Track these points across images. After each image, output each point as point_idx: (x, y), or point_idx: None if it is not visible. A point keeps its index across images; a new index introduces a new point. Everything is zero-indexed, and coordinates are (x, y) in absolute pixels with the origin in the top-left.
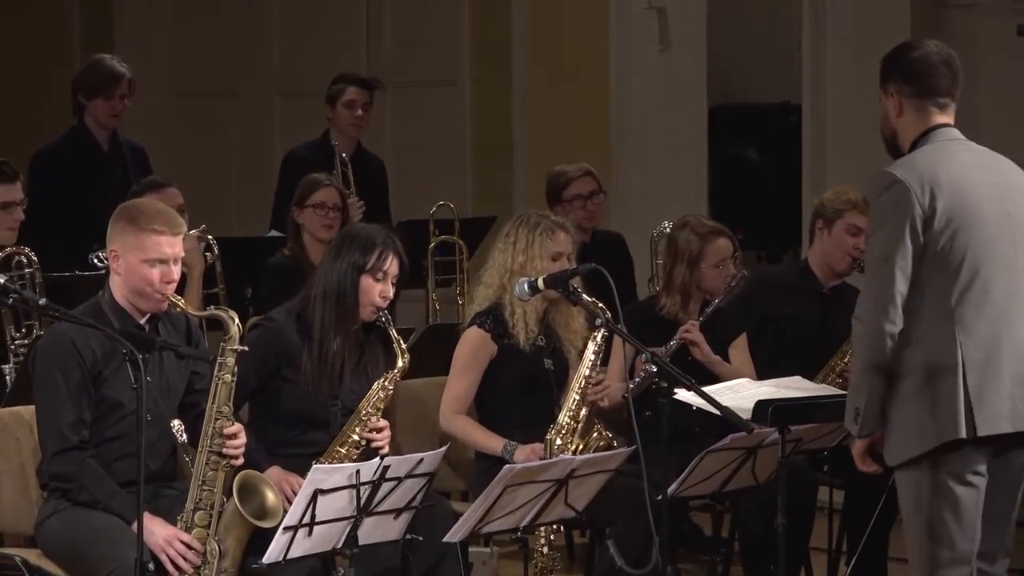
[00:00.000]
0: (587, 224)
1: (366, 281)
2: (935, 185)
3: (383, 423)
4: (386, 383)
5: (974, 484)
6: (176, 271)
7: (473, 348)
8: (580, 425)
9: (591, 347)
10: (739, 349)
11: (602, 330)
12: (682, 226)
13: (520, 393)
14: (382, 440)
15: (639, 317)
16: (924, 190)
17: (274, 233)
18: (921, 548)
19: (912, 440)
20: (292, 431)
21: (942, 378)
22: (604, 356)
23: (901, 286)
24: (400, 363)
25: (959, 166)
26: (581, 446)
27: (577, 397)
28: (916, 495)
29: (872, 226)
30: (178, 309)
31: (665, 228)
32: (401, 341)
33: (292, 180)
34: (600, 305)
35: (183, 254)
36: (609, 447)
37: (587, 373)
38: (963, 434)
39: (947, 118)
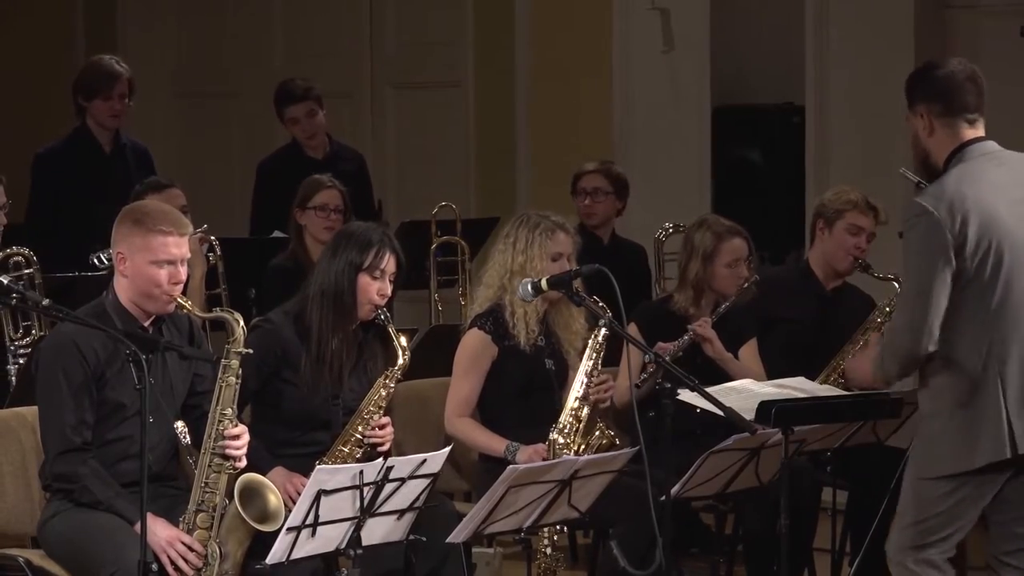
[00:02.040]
0: (587, 220)
1: (364, 279)
2: (965, 212)
3: (385, 420)
4: (387, 381)
5: (986, 493)
6: (183, 272)
7: (474, 351)
8: (582, 424)
9: (592, 346)
10: (750, 352)
11: (603, 329)
12: (700, 224)
13: (522, 394)
14: (385, 438)
15: (652, 314)
16: (955, 219)
17: (277, 234)
18: (912, 524)
19: (950, 458)
20: (294, 432)
21: (982, 398)
22: (605, 356)
23: (936, 317)
24: (400, 360)
25: (989, 187)
26: (584, 445)
27: (579, 396)
28: (925, 503)
29: (907, 258)
30: (184, 310)
31: (669, 229)
32: (401, 338)
33: (261, 190)
34: (602, 306)
35: (189, 255)
36: (612, 445)
37: (588, 372)
38: (1008, 454)
39: (978, 131)
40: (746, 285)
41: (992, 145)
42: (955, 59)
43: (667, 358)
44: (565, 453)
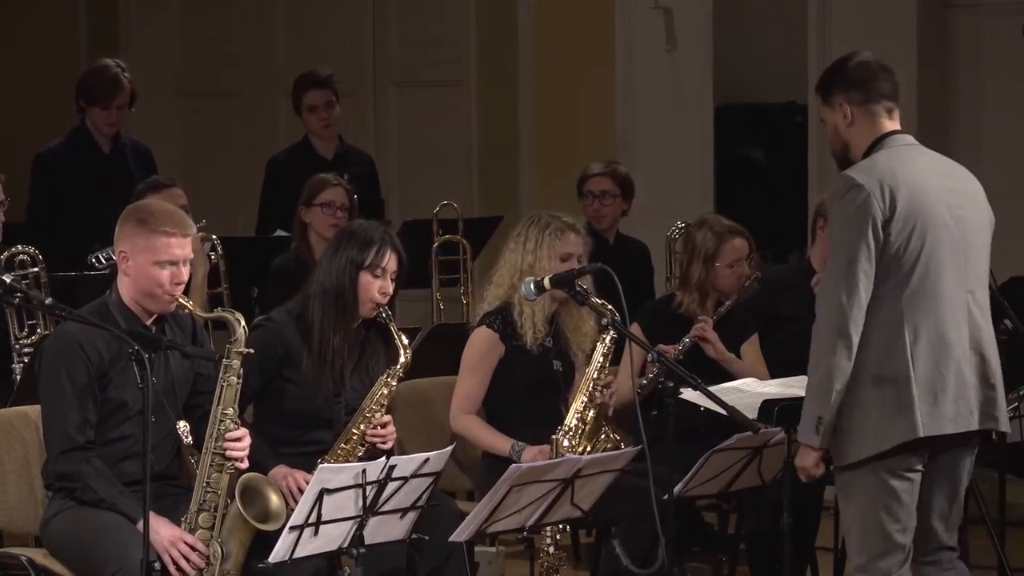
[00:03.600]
0: (596, 224)
1: (365, 278)
2: (895, 187)
3: (388, 419)
4: (389, 379)
5: (911, 479)
6: (185, 272)
7: (482, 348)
8: (588, 427)
9: (600, 349)
10: (752, 349)
11: (611, 332)
12: (700, 224)
13: (528, 394)
14: (387, 436)
15: (656, 314)
16: (884, 193)
17: (279, 233)
18: (860, 540)
19: (868, 441)
20: (296, 431)
21: (895, 379)
22: (613, 358)
23: (865, 291)
24: (402, 359)
25: (916, 170)
26: (588, 448)
27: (585, 399)
28: (857, 490)
29: (833, 230)
30: (186, 310)
31: (680, 227)
32: (403, 336)
33: (272, 187)
34: (608, 307)
35: (192, 255)
36: (616, 449)
37: (595, 375)
38: (920, 434)
39: (896, 124)
40: (747, 283)
41: (911, 138)
42: (863, 52)
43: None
44: (569, 455)
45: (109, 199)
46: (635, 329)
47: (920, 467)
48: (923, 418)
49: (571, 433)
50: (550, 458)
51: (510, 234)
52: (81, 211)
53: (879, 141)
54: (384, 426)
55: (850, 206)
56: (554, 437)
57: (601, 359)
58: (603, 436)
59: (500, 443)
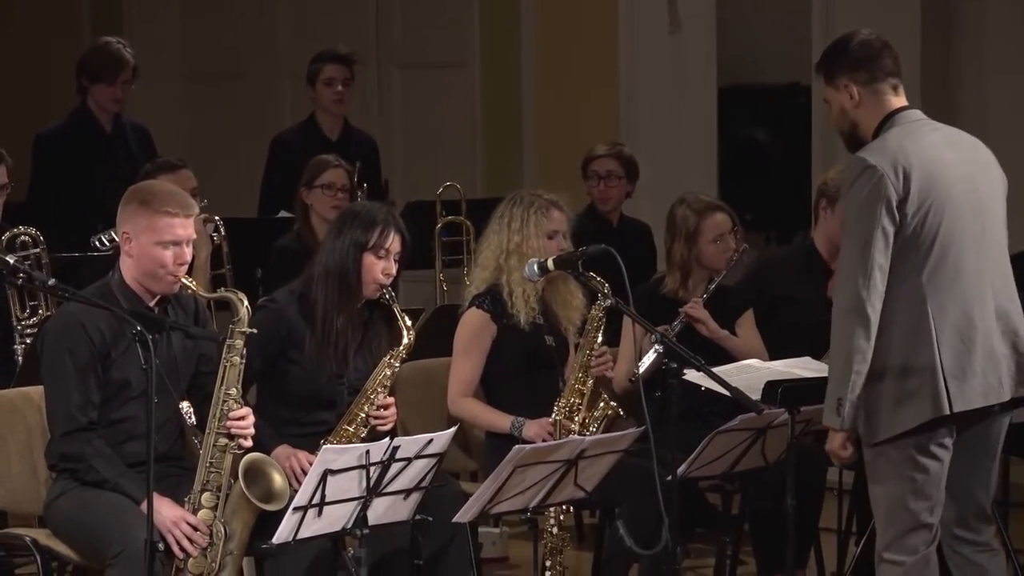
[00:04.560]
0: (602, 205)
1: (368, 258)
2: (907, 167)
3: (390, 400)
4: (392, 360)
5: (940, 457)
6: (188, 253)
7: (474, 330)
8: (586, 397)
9: (592, 320)
10: (746, 325)
11: (605, 302)
12: (679, 203)
13: (524, 371)
14: (387, 418)
15: (645, 298)
16: (897, 173)
17: (283, 214)
18: (888, 518)
19: (895, 419)
20: (299, 412)
21: (919, 356)
22: (607, 337)
23: (881, 272)
24: (405, 340)
25: (928, 146)
26: (587, 418)
27: (580, 371)
28: (885, 469)
29: (848, 214)
30: (189, 291)
31: None
32: (406, 317)
33: (276, 165)
34: (601, 281)
35: (195, 236)
36: (617, 417)
37: (589, 346)
38: (947, 411)
39: (903, 100)
40: (735, 257)
41: (920, 113)
42: (863, 29)
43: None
44: (570, 426)
45: (111, 179)
46: (624, 318)
47: (949, 444)
48: (952, 395)
49: (570, 404)
50: (552, 433)
51: (492, 216)
52: (82, 192)
53: (888, 118)
54: (386, 407)
55: (863, 188)
56: (556, 418)
57: (594, 330)
58: (602, 404)
59: (500, 421)
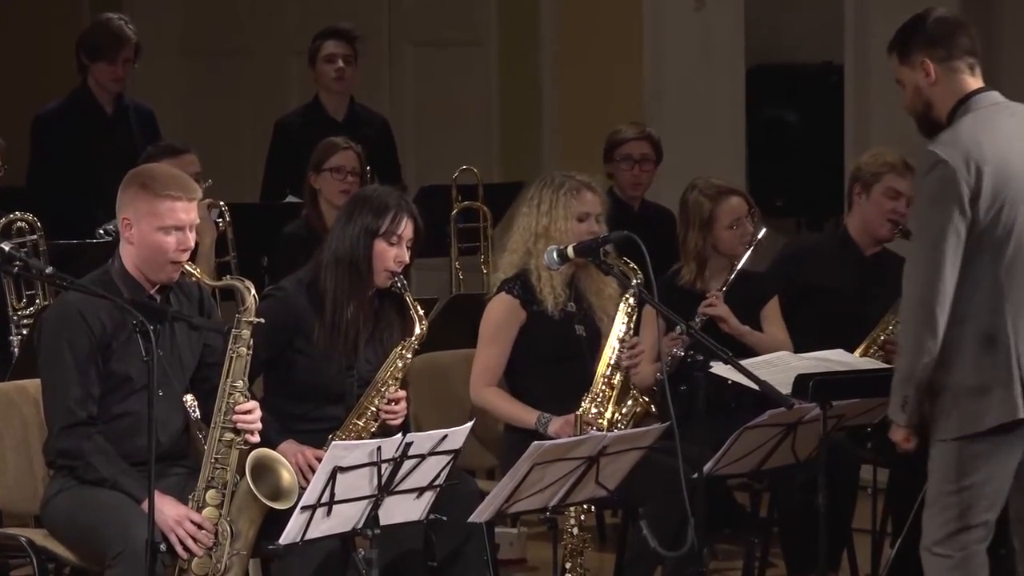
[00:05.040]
0: (632, 191)
1: (380, 245)
2: (980, 161)
3: (401, 394)
4: (403, 352)
5: (1009, 459)
6: (191, 238)
7: (502, 316)
8: (615, 392)
9: (623, 310)
10: (770, 316)
11: (629, 292)
12: (691, 189)
13: (552, 361)
14: (398, 412)
15: (662, 292)
16: (970, 169)
17: (290, 199)
18: (944, 514)
19: (966, 418)
20: (306, 405)
21: (995, 355)
22: (637, 321)
23: (952, 271)
24: (418, 330)
25: (1003, 137)
26: (617, 414)
27: (611, 363)
28: (949, 465)
29: (919, 209)
30: (193, 279)
31: None
32: (418, 307)
33: (279, 149)
34: (633, 267)
35: (199, 221)
36: (647, 414)
37: (620, 338)
38: (1021, 415)
39: (979, 80)
40: (754, 241)
41: (998, 95)
42: (937, 7)
43: (677, 351)
44: (599, 422)
45: (111, 162)
46: (646, 310)
47: (1019, 444)
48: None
49: (598, 399)
50: (575, 430)
51: (521, 198)
52: (83, 174)
53: (964, 101)
54: (396, 401)
55: (935, 184)
56: (577, 414)
57: (625, 320)
58: (631, 401)
59: (525, 415)
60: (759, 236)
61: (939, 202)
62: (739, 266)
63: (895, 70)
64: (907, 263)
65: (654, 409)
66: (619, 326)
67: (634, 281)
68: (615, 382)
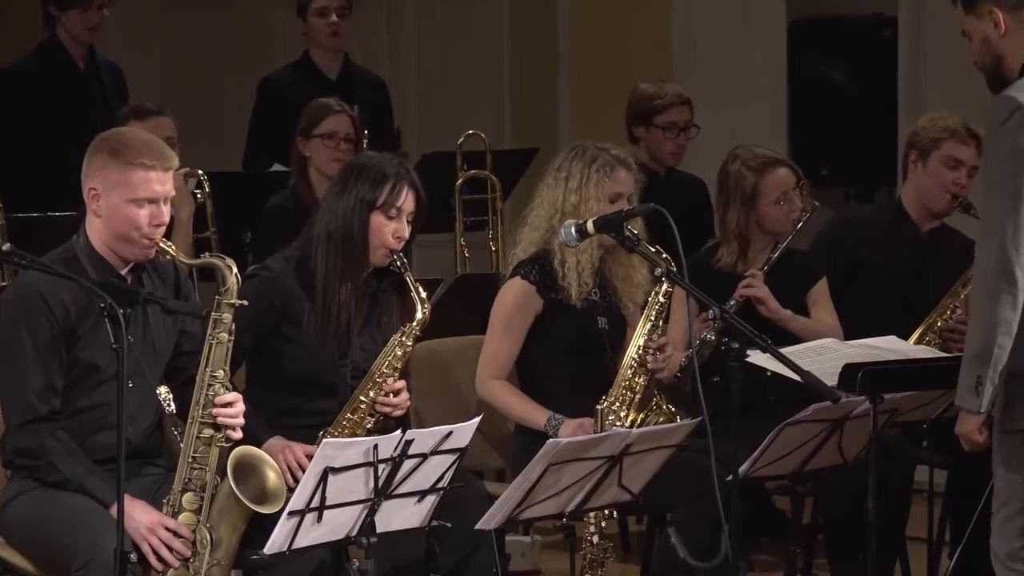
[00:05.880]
0: (673, 160)
1: (377, 219)
2: None
3: (400, 385)
4: (403, 339)
5: None
6: (166, 212)
7: (516, 302)
8: (638, 396)
9: (652, 304)
10: (819, 300)
11: (665, 284)
12: (732, 160)
13: (569, 356)
14: (398, 405)
15: (695, 272)
16: None
17: (277, 167)
18: (1011, 516)
19: None
20: (295, 398)
21: None
22: (667, 315)
23: None
24: (419, 314)
25: None
26: (638, 420)
27: (635, 363)
28: (1021, 460)
29: (992, 162)
30: (167, 257)
31: None
32: (420, 288)
33: (265, 112)
34: (664, 255)
35: (174, 192)
36: (670, 423)
37: (647, 335)
38: None
39: None
40: (804, 218)
41: None
42: None
43: (708, 334)
44: (616, 428)
45: (85, 123)
46: (676, 293)
47: None
48: None
49: (618, 403)
50: (594, 432)
51: (548, 167)
52: (52, 138)
53: None
54: (396, 393)
55: (1013, 134)
56: (598, 408)
57: (654, 316)
58: (654, 407)
59: (534, 414)
60: (809, 212)
61: (1018, 154)
62: (784, 245)
63: (960, 20)
64: (980, 225)
65: (679, 419)
66: (646, 322)
67: (670, 265)
68: (638, 385)
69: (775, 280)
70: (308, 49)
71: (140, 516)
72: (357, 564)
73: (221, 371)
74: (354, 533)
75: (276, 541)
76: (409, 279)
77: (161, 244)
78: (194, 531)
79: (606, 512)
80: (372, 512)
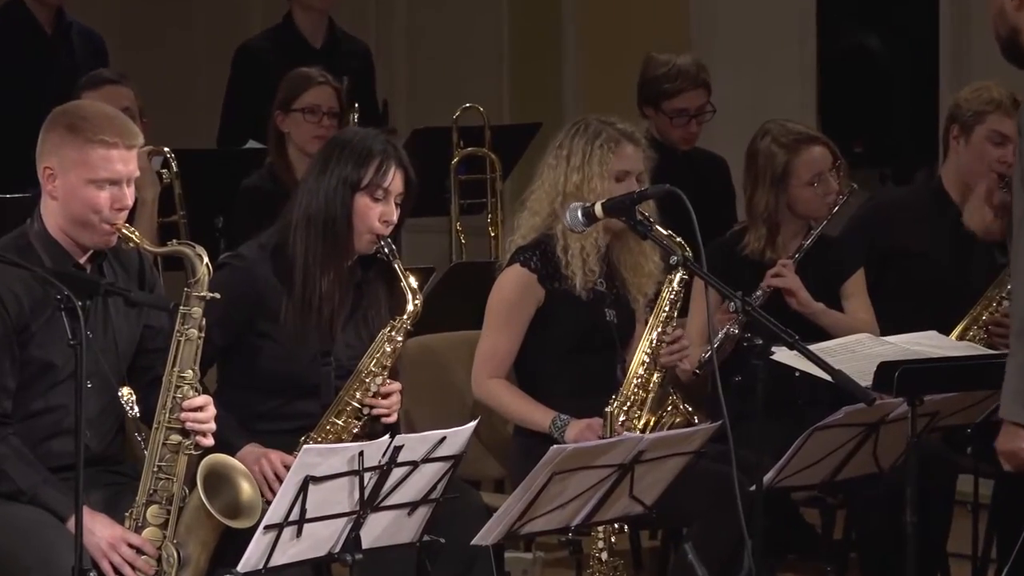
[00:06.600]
0: (684, 145)
1: (362, 201)
2: None
3: (395, 387)
4: (393, 334)
5: None
6: (130, 194)
7: (515, 292)
8: (651, 395)
9: (666, 295)
10: (855, 293)
11: (679, 273)
12: (762, 136)
13: (574, 352)
14: (389, 407)
15: (719, 259)
16: None
17: (252, 144)
18: None
19: None
20: (272, 401)
21: None
22: (682, 307)
23: None
24: (410, 307)
25: None
26: (652, 422)
27: (647, 359)
28: None
29: None
30: (131, 244)
31: None
32: (410, 278)
33: (242, 82)
34: (678, 240)
35: (138, 173)
36: (688, 425)
37: (660, 328)
38: None
39: None
40: (840, 201)
41: None
42: None
43: (730, 327)
44: (627, 431)
45: (53, 94)
46: (696, 282)
47: None
48: None
49: (629, 403)
50: (602, 436)
51: (549, 145)
52: (12, 109)
53: None
54: (385, 396)
55: None
56: (607, 409)
57: (668, 307)
58: (670, 408)
59: (537, 416)
60: (846, 196)
61: None
62: (817, 231)
63: None
64: (1015, 209)
65: (696, 421)
66: (660, 314)
67: (685, 252)
68: (650, 383)
69: (807, 270)
70: (291, 11)
71: (100, 531)
72: None
73: (190, 371)
74: (337, 549)
75: (251, 559)
76: (398, 268)
77: (124, 230)
78: (159, 548)
79: (616, 526)
80: (357, 526)
